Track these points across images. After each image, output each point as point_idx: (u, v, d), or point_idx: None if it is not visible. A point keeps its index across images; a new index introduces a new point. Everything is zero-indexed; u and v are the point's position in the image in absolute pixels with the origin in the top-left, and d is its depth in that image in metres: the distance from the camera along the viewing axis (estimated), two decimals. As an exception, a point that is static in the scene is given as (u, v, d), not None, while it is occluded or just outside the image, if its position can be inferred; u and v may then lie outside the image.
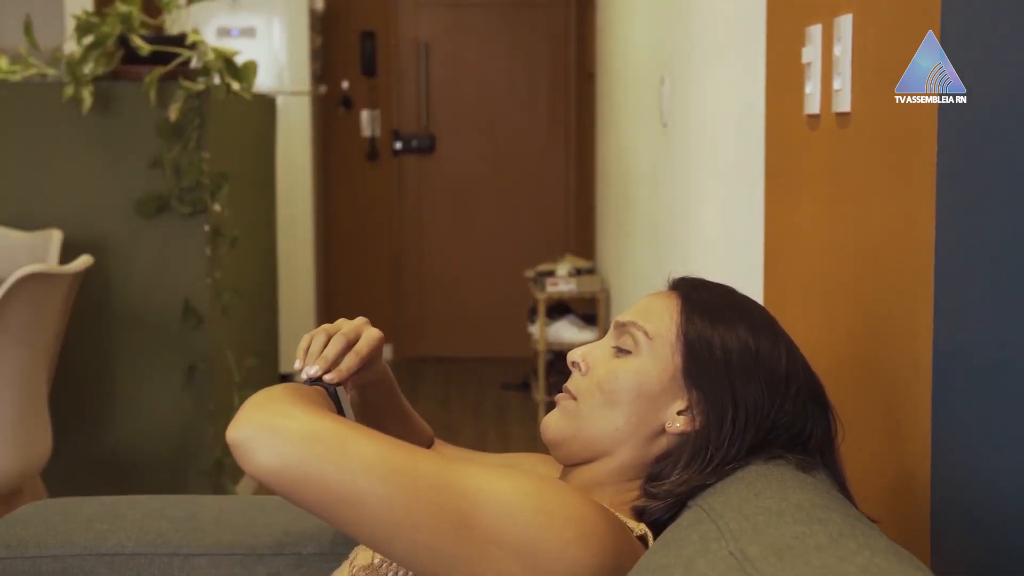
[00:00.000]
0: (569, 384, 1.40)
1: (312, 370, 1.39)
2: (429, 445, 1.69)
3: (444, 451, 1.70)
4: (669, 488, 1.30)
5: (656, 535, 1.30)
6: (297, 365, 1.41)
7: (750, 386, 1.31)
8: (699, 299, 1.36)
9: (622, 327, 1.38)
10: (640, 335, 1.35)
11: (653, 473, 1.34)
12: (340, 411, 1.37)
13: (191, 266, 3.57)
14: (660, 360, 1.34)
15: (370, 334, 1.45)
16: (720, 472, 1.29)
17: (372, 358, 1.45)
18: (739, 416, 1.30)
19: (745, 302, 1.39)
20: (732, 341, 1.32)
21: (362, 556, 1.39)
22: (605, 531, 1.22)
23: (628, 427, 1.34)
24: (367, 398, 1.53)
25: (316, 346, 1.41)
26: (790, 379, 1.32)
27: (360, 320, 1.47)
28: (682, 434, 1.32)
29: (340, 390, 1.39)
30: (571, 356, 1.40)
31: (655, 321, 1.36)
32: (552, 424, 1.39)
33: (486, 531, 1.18)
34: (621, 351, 1.37)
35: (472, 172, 6.99)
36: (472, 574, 1.18)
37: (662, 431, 1.33)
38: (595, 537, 1.21)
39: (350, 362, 1.41)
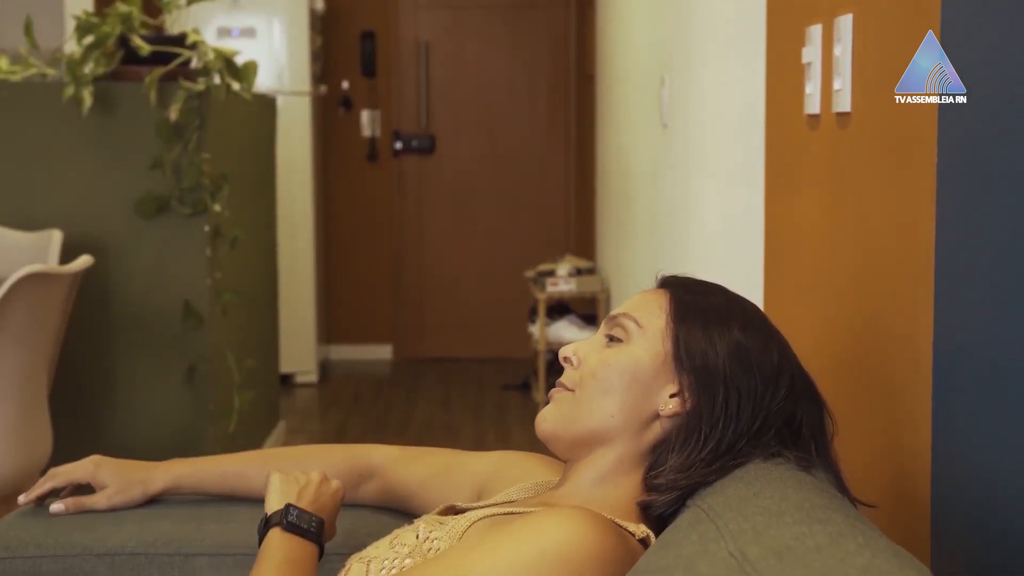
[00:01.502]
0: (563, 378, 1.41)
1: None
2: (364, 471, 1.69)
3: (435, 455, 1.69)
4: (671, 477, 1.31)
5: (658, 535, 1.30)
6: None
7: (741, 374, 1.32)
8: (690, 297, 1.38)
9: (613, 319, 1.40)
10: (631, 324, 1.37)
11: (651, 463, 1.35)
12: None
13: (191, 267, 3.57)
14: (651, 347, 1.36)
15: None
16: (718, 461, 1.30)
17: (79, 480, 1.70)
18: (731, 397, 1.31)
19: (737, 300, 1.40)
20: (723, 333, 1.34)
21: (355, 569, 1.39)
22: (595, 555, 1.22)
23: (623, 414, 1.35)
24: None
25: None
26: (781, 372, 1.34)
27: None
28: (675, 416, 1.34)
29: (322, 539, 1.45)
30: (563, 352, 1.42)
31: (646, 313, 1.38)
32: (548, 416, 1.40)
33: None
34: (612, 340, 1.39)
35: (472, 172, 6.99)
36: None
37: (656, 416, 1.35)
38: (590, 569, 1.21)
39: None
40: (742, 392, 1.32)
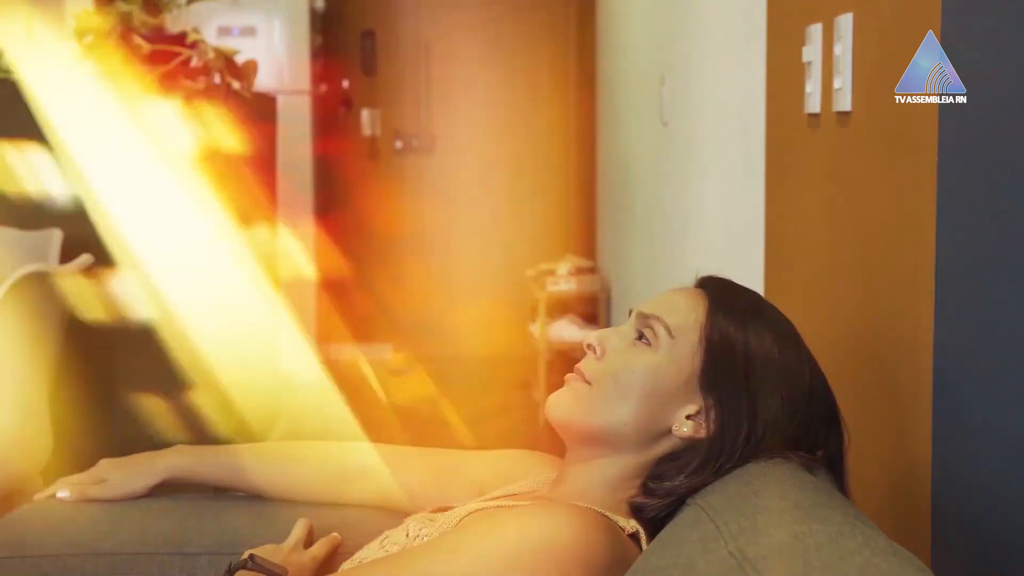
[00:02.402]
0: (583, 366, 1.36)
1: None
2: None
3: (433, 456, 1.68)
4: (670, 488, 1.29)
5: (652, 532, 1.29)
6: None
7: (770, 399, 1.28)
8: (727, 303, 1.33)
9: (644, 319, 1.34)
10: (662, 330, 1.32)
11: (654, 473, 1.32)
12: None
13: (191, 266, 3.56)
14: (679, 360, 1.31)
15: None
16: (724, 472, 1.28)
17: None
18: (756, 429, 1.27)
19: (772, 311, 1.35)
20: (757, 350, 1.29)
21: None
22: (582, 552, 1.21)
23: (635, 423, 1.31)
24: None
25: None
26: (812, 396, 1.30)
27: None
28: (688, 439, 1.30)
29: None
30: (587, 338, 1.36)
31: (679, 318, 1.32)
32: (562, 403, 1.35)
33: None
34: (640, 342, 1.34)
35: (472, 172, 6.99)
36: None
37: (668, 432, 1.31)
38: (576, 565, 1.20)
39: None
40: (768, 422, 1.27)
